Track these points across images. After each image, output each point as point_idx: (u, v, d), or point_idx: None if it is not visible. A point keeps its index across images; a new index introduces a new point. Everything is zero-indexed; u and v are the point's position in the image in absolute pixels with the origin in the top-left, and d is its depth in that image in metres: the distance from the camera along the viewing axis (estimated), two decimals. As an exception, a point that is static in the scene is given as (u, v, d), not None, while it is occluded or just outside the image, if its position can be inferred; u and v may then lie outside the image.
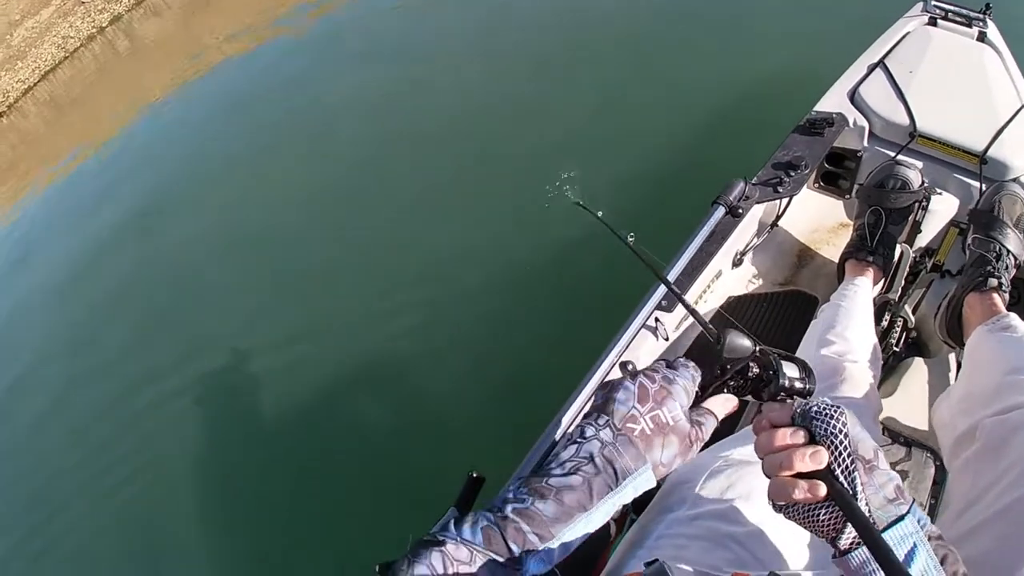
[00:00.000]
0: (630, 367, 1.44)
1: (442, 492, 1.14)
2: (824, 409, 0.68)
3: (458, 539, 0.68)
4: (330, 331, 3.32)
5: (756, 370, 0.84)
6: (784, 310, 1.86)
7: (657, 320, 1.55)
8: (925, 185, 1.72)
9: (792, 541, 0.95)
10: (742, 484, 1.02)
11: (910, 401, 1.63)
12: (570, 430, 0.82)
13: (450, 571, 0.65)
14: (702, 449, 0.86)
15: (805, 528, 0.68)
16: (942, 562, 0.65)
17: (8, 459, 3.83)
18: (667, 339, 1.58)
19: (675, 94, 3.63)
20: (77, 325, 4.37)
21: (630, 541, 1.08)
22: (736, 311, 1.84)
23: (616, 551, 1.09)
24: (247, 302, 3.75)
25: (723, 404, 0.88)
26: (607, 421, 0.77)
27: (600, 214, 1.33)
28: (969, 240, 1.65)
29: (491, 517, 0.71)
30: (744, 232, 1.82)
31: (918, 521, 0.65)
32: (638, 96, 3.79)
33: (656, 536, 1.00)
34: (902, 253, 1.70)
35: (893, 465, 1.50)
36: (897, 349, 1.68)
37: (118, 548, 2.94)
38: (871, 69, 2.06)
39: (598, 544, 0.98)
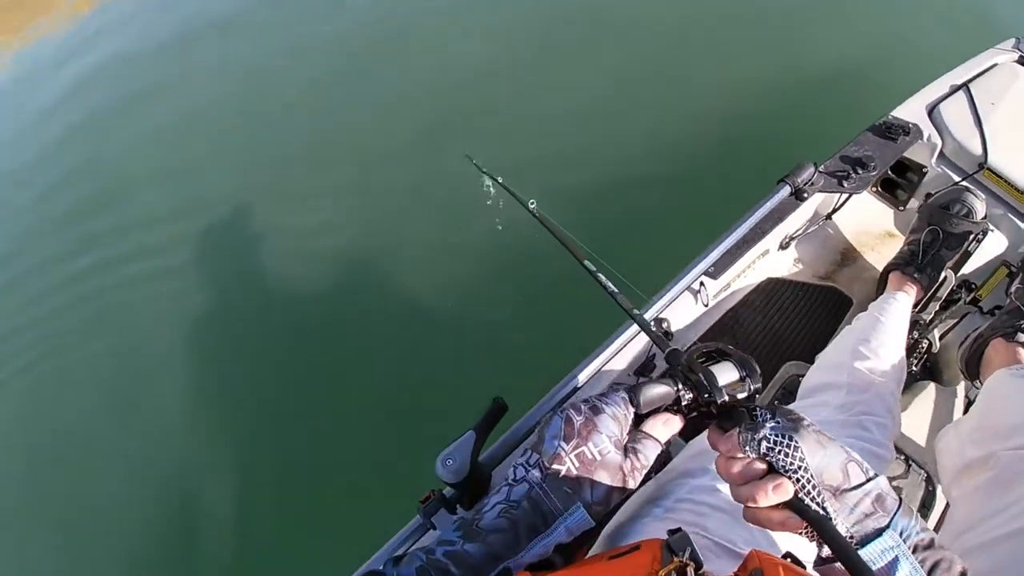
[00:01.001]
0: (665, 324, 1.40)
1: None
2: (779, 441, 0.66)
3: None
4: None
5: (689, 396, 0.77)
6: (817, 304, 1.84)
7: (702, 284, 1.51)
8: (986, 217, 1.69)
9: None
10: None
11: (915, 421, 1.64)
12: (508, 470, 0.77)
13: None
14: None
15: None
16: (934, 568, 0.65)
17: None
18: (706, 305, 1.54)
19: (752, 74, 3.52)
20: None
21: (646, 496, 1.06)
22: (771, 293, 1.83)
23: (628, 503, 1.07)
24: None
25: (665, 424, 0.82)
26: (537, 460, 0.75)
27: (500, 180, 1.34)
28: (1014, 287, 1.65)
29: (423, 558, 0.70)
30: (799, 217, 1.78)
31: (900, 533, 0.65)
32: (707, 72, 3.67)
33: (676, 498, 0.99)
34: (945, 278, 1.68)
35: (890, 481, 1.51)
36: (914, 369, 1.67)
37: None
38: (954, 89, 2.00)
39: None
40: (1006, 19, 3.50)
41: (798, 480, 0.65)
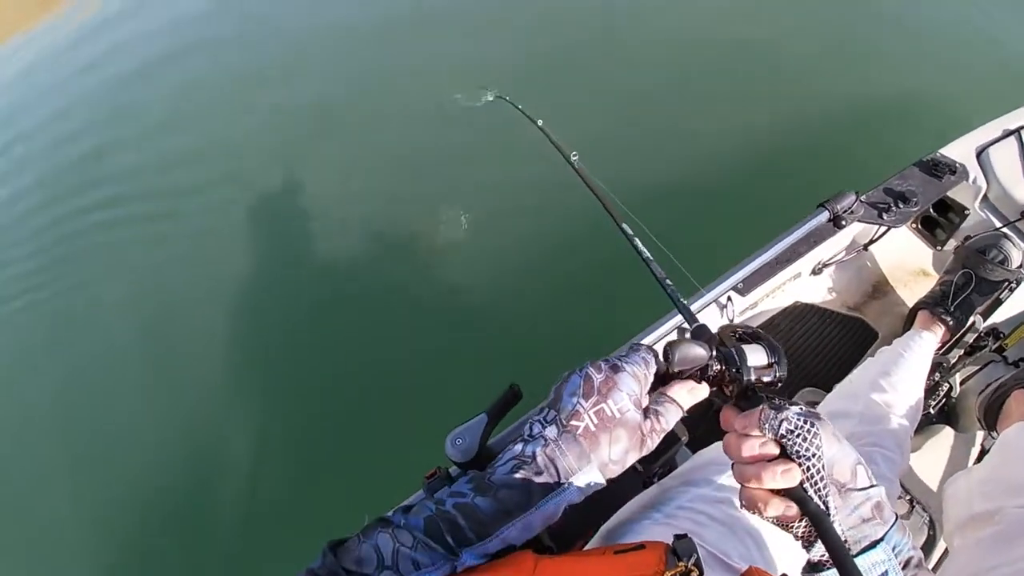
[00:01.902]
0: (688, 336, 1.40)
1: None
2: (800, 426, 0.65)
3: (404, 524, 0.68)
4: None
5: (717, 367, 0.75)
6: (843, 334, 1.82)
7: (729, 299, 1.50)
8: (1021, 267, 1.67)
9: (802, 555, 0.94)
10: None
11: (926, 464, 1.62)
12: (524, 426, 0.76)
13: (395, 551, 0.66)
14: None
15: (781, 530, 0.68)
16: None
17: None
18: (731, 320, 1.53)
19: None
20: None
21: (647, 501, 1.06)
22: (798, 317, 1.82)
23: (629, 504, 1.07)
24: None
25: (690, 392, 0.79)
26: (554, 417, 0.73)
27: (540, 123, 1.37)
28: None
29: (433, 508, 0.70)
30: (835, 244, 1.76)
31: (892, 548, 0.65)
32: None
33: (677, 505, 0.99)
34: (973, 323, 1.66)
35: None
36: (931, 412, 1.66)
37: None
38: (1006, 134, 1.97)
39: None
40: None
41: (808, 469, 0.64)
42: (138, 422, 2.80)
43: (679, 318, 1.43)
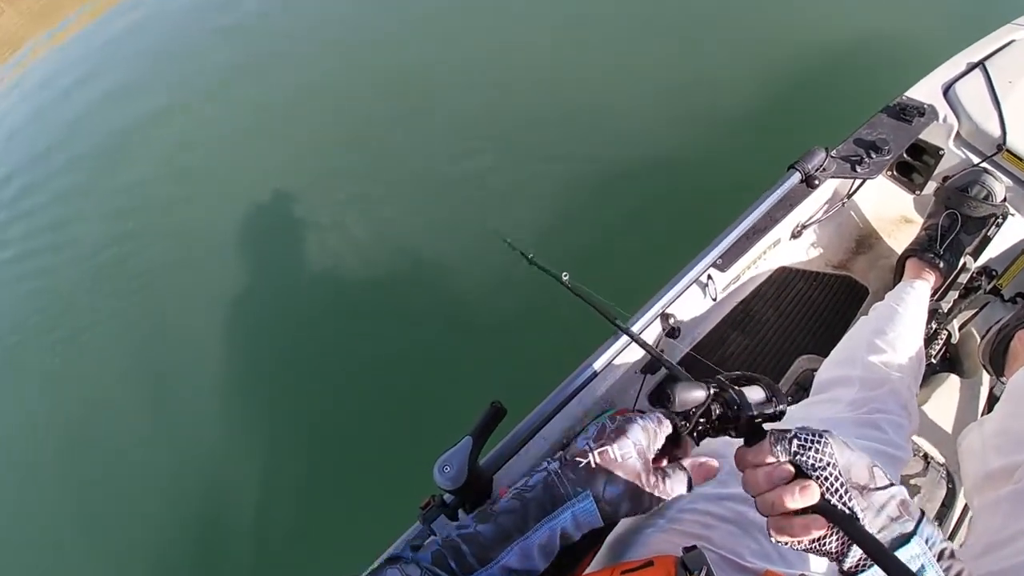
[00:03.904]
0: (671, 320, 1.34)
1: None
2: (806, 440, 0.65)
3: (412, 559, 0.72)
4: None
5: (719, 410, 0.76)
6: (832, 295, 1.78)
7: (710, 277, 1.44)
8: (1005, 200, 1.62)
9: None
10: None
11: (934, 416, 1.57)
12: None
13: None
14: None
15: (814, 554, 0.66)
16: None
17: None
18: (715, 299, 1.48)
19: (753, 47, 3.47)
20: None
21: None
22: (784, 284, 1.77)
23: None
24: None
25: (700, 467, 0.84)
26: (560, 455, 0.79)
27: (531, 256, 1.36)
28: None
29: (439, 542, 0.74)
30: (811, 204, 1.72)
31: (926, 540, 0.63)
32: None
33: (679, 508, 0.95)
34: (964, 263, 1.61)
35: (907, 479, 1.45)
36: (933, 361, 1.61)
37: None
38: (970, 67, 1.93)
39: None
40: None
41: (825, 479, 0.63)
42: (132, 446, 2.79)
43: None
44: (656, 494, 0.78)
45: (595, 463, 0.76)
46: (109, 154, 4.42)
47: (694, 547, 0.66)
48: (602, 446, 0.77)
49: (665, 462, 0.84)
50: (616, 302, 1.17)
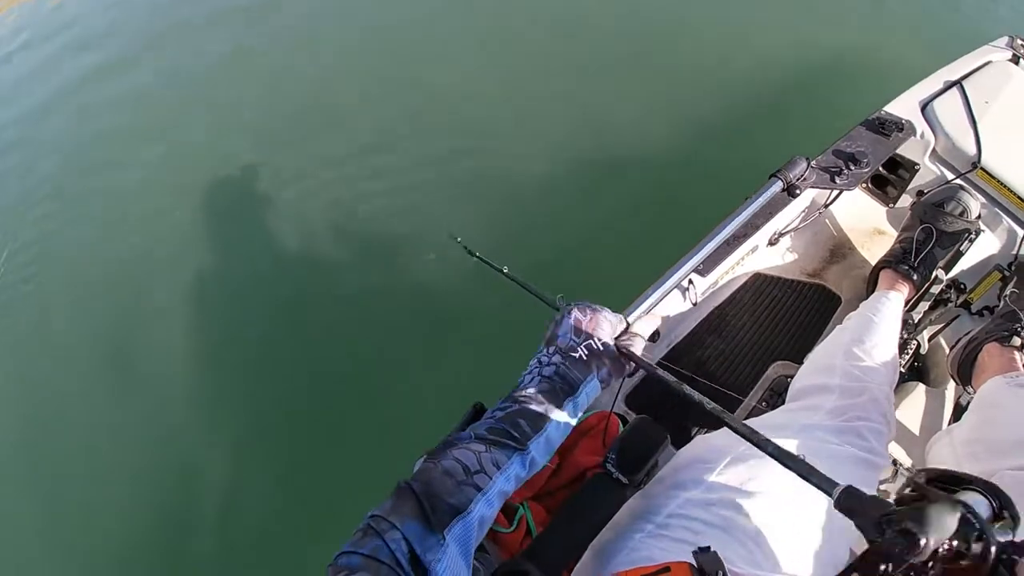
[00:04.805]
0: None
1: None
2: None
3: (472, 437, 0.84)
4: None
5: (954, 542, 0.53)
6: (806, 302, 1.81)
7: (691, 282, 1.46)
8: (979, 217, 1.67)
9: (803, 549, 0.92)
10: (763, 478, 0.98)
11: (903, 422, 1.61)
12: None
13: (477, 457, 0.81)
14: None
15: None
16: None
17: None
18: (694, 303, 1.49)
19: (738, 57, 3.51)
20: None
21: (636, 510, 1.02)
22: (760, 289, 1.79)
23: (615, 518, 1.03)
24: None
25: (646, 321, 1.07)
26: (554, 350, 0.93)
27: (477, 254, 1.44)
28: (1007, 291, 1.64)
29: (489, 423, 0.86)
30: (789, 212, 1.75)
31: None
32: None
33: (668, 513, 0.96)
34: (936, 278, 1.65)
35: (878, 484, 1.48)
36: (903, 370, 1.65)
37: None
38: (948, 86, 1.98)
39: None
40: (1001, 15, 3.50)
41: None
42: (95, 439, 2.69)
43: None
44: (628, 362, 0.97)
45: (584, 356, 0.92)
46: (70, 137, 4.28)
47: (708, 548, 0.68)
48: (585, 340, 0.94)
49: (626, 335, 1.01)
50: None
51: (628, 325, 1.00)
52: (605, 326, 0.96)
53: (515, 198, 3.01)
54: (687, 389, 0.84)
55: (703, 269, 1.49)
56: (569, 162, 3.08)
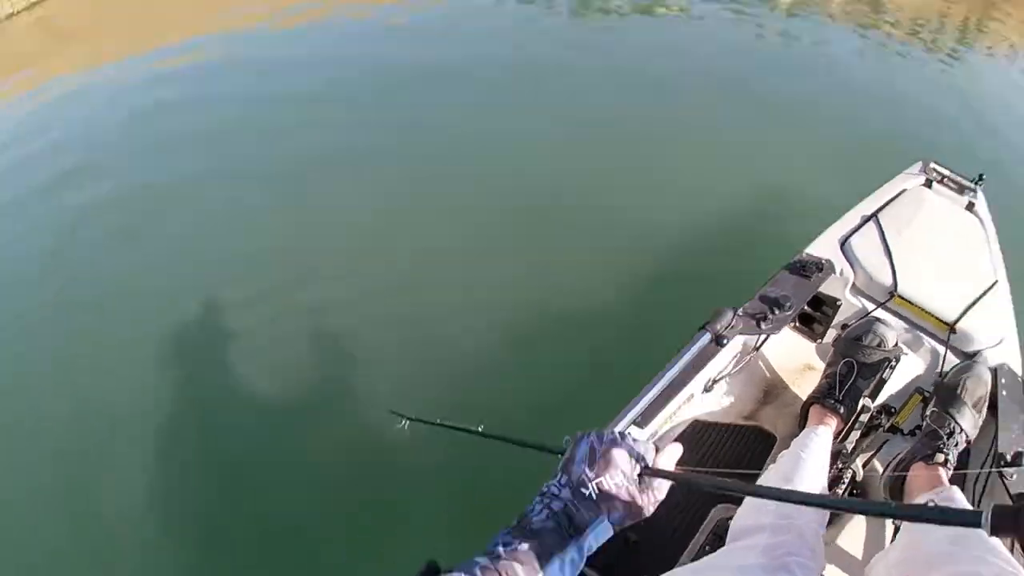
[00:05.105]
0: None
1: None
2: None
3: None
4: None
5: None
6: (743, 444, 1.89)
7: (630, 435, 1.59)
8: (897, 345, 1.82)
9: None
10: None
11: (847, 549, 1.69)
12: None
13: None
14: None
15: None
16: None
17: None
18: None
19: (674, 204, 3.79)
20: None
21: None
22: (699, 436, 1.87)
23: None
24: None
25: (671, 458, 0.95)
26: (567, 481, 0.88)
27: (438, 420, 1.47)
28: (928, 411, 1.76)
29: (485, 560, 0.81)
30: (720, 360, 1.88)
31: None
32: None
33: None
34: (863, 407, 1.78)
35: None
36: None
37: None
38: (864, 220, 2.18)
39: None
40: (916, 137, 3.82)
41: None
42: None
43: None
44: (651, 505, 0.89)
45: (595, 494, 0.86)
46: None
47: None
48: (597, 476, 0.87)
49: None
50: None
51: (657, 451, 0.93)
52: (622, 462, 0.89)
53: (455, 361, 3.13)
54: None
55: (641, 421, 1.61)
56: (511, 327, 3.24)
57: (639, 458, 0.90)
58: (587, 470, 0.87)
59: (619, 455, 0.88)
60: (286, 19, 6.89)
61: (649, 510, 0.89)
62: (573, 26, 6.99)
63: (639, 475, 0.89)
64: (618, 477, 0.87)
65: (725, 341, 1.75)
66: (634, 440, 0.91)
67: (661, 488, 0.90)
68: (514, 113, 5.00)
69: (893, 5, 8.18)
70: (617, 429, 1.51)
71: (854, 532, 1.73)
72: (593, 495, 0.86)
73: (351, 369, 3.22)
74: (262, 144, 4.81)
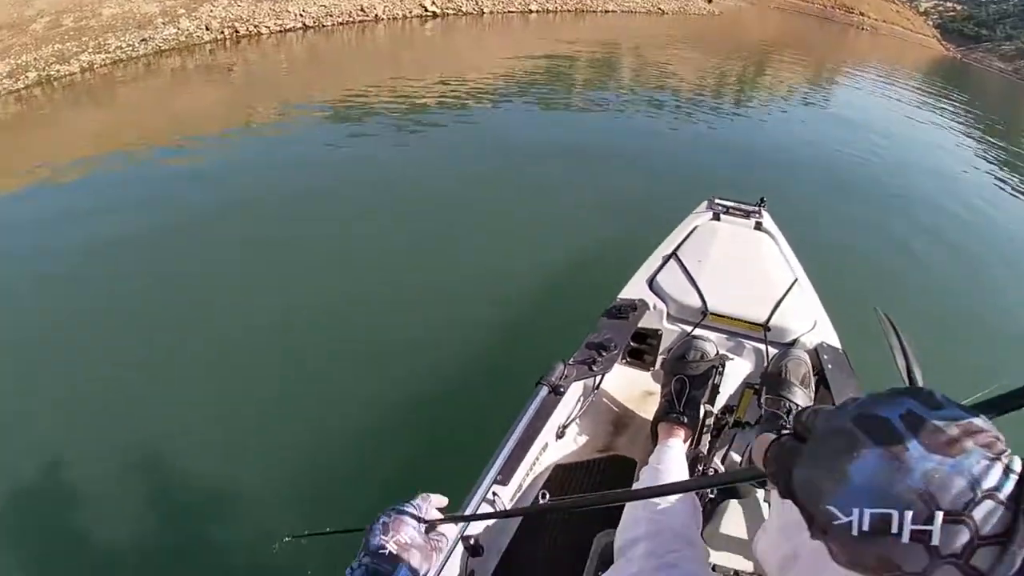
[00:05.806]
0: (472, 541, 1.54)
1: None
2: None
3: None
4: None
5: None
6: (607, 474, 1.99)
7: (495, 494, 1.66)
8: (720, 353, 2.03)
9: None
10: None
11: (732, 539, 1.81)
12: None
13: None
14: None
15: None
16: None
17: None
18: (507, 510, 1.69)
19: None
20: None
21: None
22: (563, 479, 1.96)
23: None
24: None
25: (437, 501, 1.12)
26: (364, 553, 0.99)
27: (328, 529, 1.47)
28: (762, 399, 1.95)
29: None
30: (565, 407, 2.01)
31: None
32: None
33: None
34: (706, 412, 1.95)
35: None
36: (712, 496, 1.87)
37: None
38: (666, 260, 2.47)
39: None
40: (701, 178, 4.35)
41: None
42: None
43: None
44: (439, 552, 1.05)
45: (394, 551, 0.98)
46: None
47: None
48: (393, 537, 0.99)
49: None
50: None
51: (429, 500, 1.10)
52: (411, 521, 1.04)
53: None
54: None
55: (502, 479, 1.68)
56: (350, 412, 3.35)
57: (418, 508, 1.07)
58: (382, 536, 1.01)
59: (406, 517, 1.04)
60: None
61: (438, 556, 1.06)
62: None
63: (427, 526, 1.06)
64: (409, 532, 1.02)
65: (562, 389, 1.91)
66: (418, 501, 1.09)
67: (448, 531, 1.10)
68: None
69: (674, 76, 9.47)
70: (480, 489, 1.60)
71: (734, 518, 1.84)
72: (392, 552, 0.98)
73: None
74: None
